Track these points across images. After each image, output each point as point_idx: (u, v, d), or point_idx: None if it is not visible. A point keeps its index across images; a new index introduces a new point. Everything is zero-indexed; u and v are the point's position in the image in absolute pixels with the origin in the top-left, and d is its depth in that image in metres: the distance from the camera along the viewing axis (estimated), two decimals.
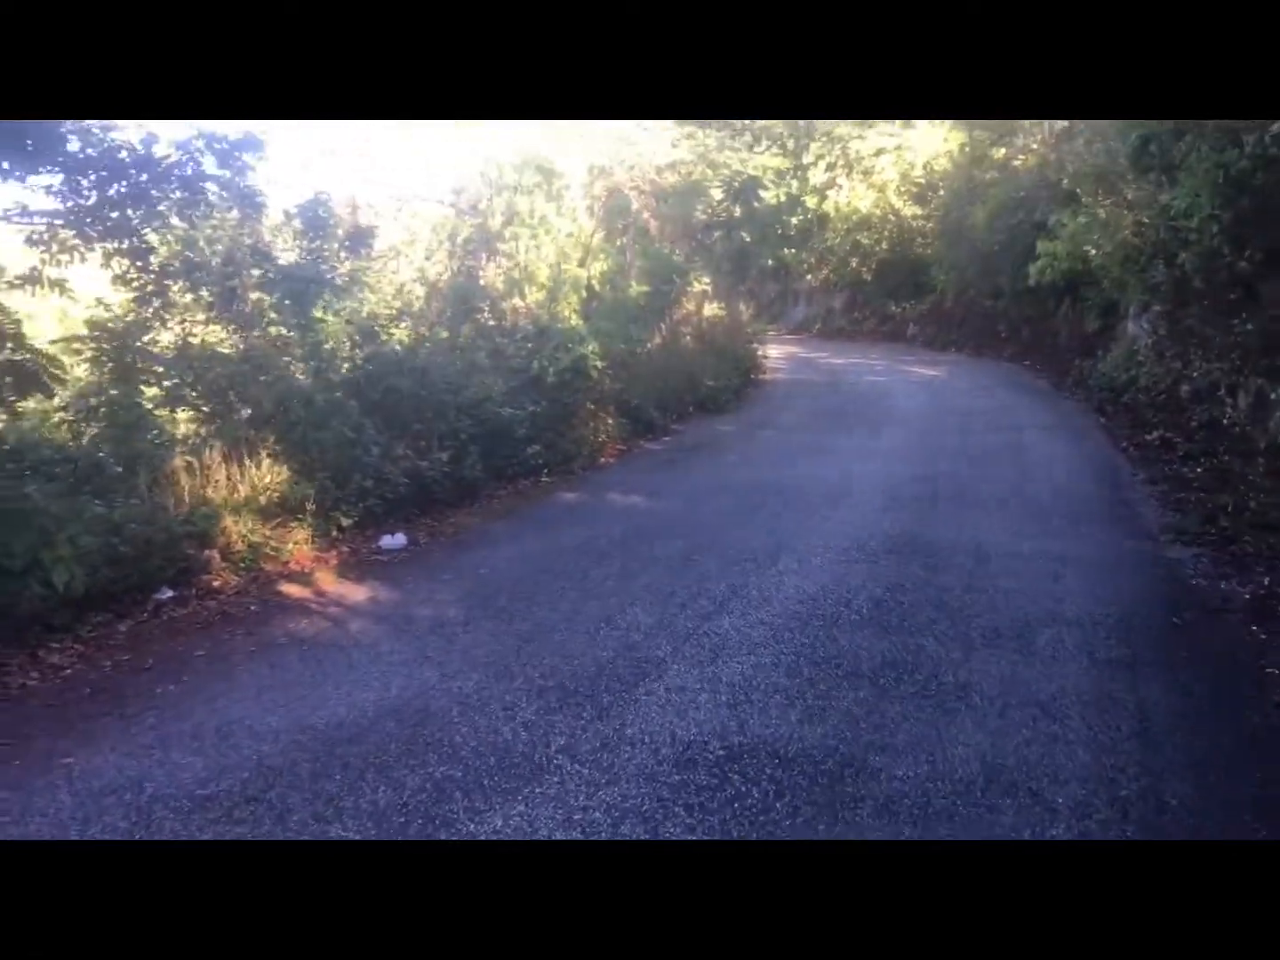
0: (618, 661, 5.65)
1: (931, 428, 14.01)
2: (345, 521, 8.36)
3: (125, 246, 10.43)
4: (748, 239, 23.31)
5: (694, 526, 8.71)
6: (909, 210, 28.80)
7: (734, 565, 7.47)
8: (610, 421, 12.91)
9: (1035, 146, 21.98)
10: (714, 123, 21.25)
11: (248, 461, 8.40)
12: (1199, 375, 13.87)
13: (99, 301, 10.68)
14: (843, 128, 29.14)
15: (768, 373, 21.67)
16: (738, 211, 21.55)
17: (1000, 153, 23.52)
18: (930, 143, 27.91)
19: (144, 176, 10.04)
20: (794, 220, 30.80)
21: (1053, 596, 6.75)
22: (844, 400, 17.29)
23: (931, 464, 11.36)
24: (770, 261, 33.14)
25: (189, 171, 10.00)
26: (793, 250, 31.95)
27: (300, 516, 8.09)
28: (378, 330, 12.33)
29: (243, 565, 7.42)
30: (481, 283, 14.88)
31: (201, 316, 11.06)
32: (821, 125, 29.56)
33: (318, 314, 12.21)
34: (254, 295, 11.75)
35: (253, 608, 6.75)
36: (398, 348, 12.07)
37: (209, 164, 10.13)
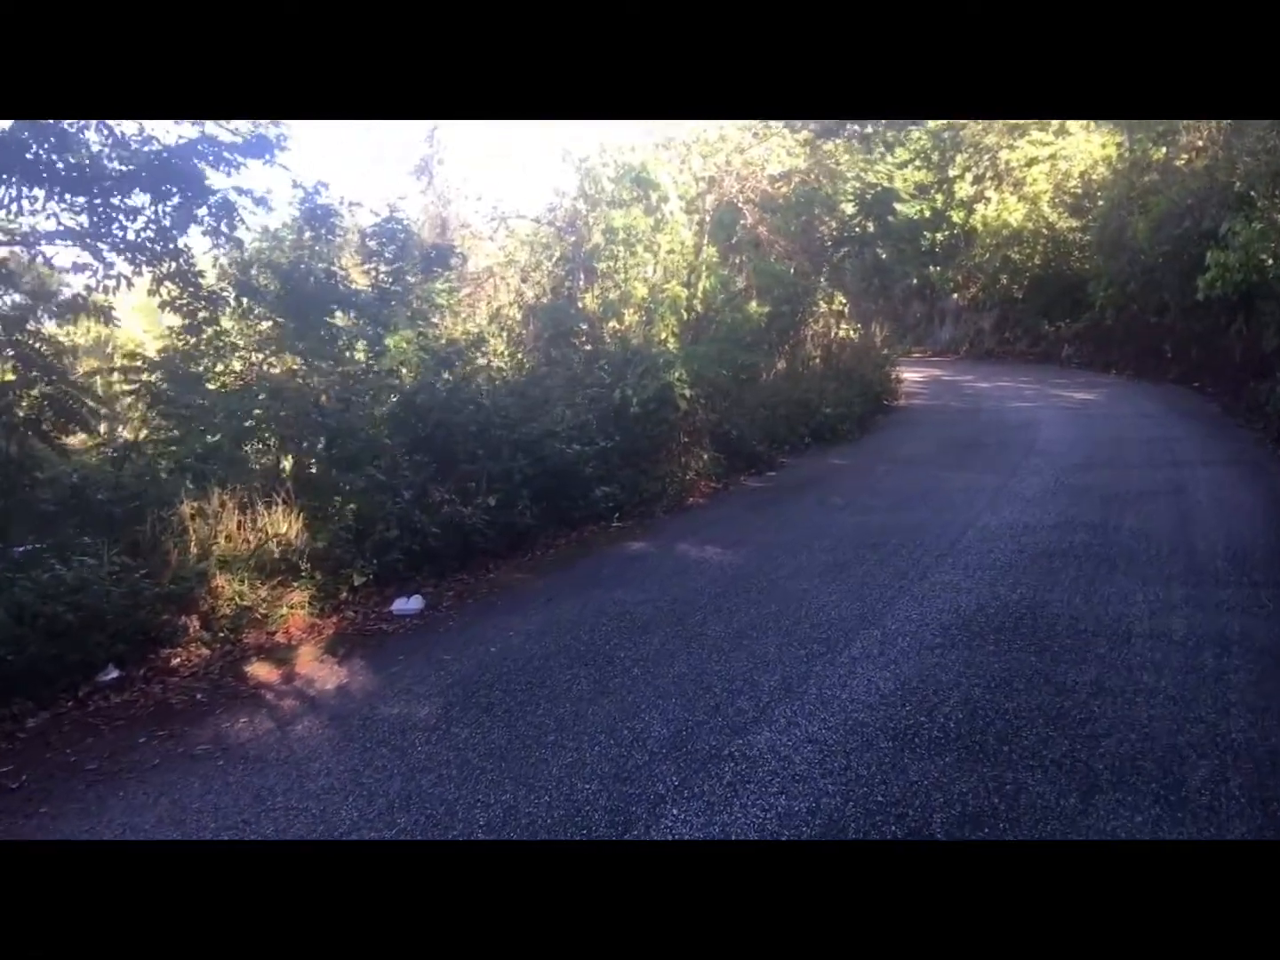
0: (597, 801, 4.17)
1: (1079, 463, 12.04)
2: (358, 579, 7.12)
3: (173, 269, 9.58)
4: (883, 255, 21.48)
5: (766, 589, 7.17)
6: (1064, 223, 26.37)
7: (798, 647, 5.92)
8: (705, 457, 11.43)
9: (1201, 144, 19.53)
10: (839, 131, 19.58)
11: (260, 507, 7.29)
12: None
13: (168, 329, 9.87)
14: (991, 137, 26.98)
15: (901, 398, 19.84)
16: (871, 226, 19.77)
17: (1161, 153, 21.06)
18: (1087, 149, 25.52)
19: (187, 193, 9.15)
20: (938, 236, 28.74)
21: (1215, 705, 4.98)
22: (980, 430, 15.37)
23: (1074, 509, 9.49)
24: (914, 280, 31.18)
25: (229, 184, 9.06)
26: (937, 268, 29.85)
27: (305, 574, 6.90)
28: (453, 357, 11.20)
29: (221, 635, 6.26)
30: (581, 305, 13.62)
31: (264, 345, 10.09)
32: (968, 135, 27.47)
33: (391, 341, 11.19)
34: (332, 320, 10.79)
35: (199, 696, 5.54)
36: (480, 379, 10.90)
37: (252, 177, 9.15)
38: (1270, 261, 14.91)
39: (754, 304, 16.50)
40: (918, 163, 28.43)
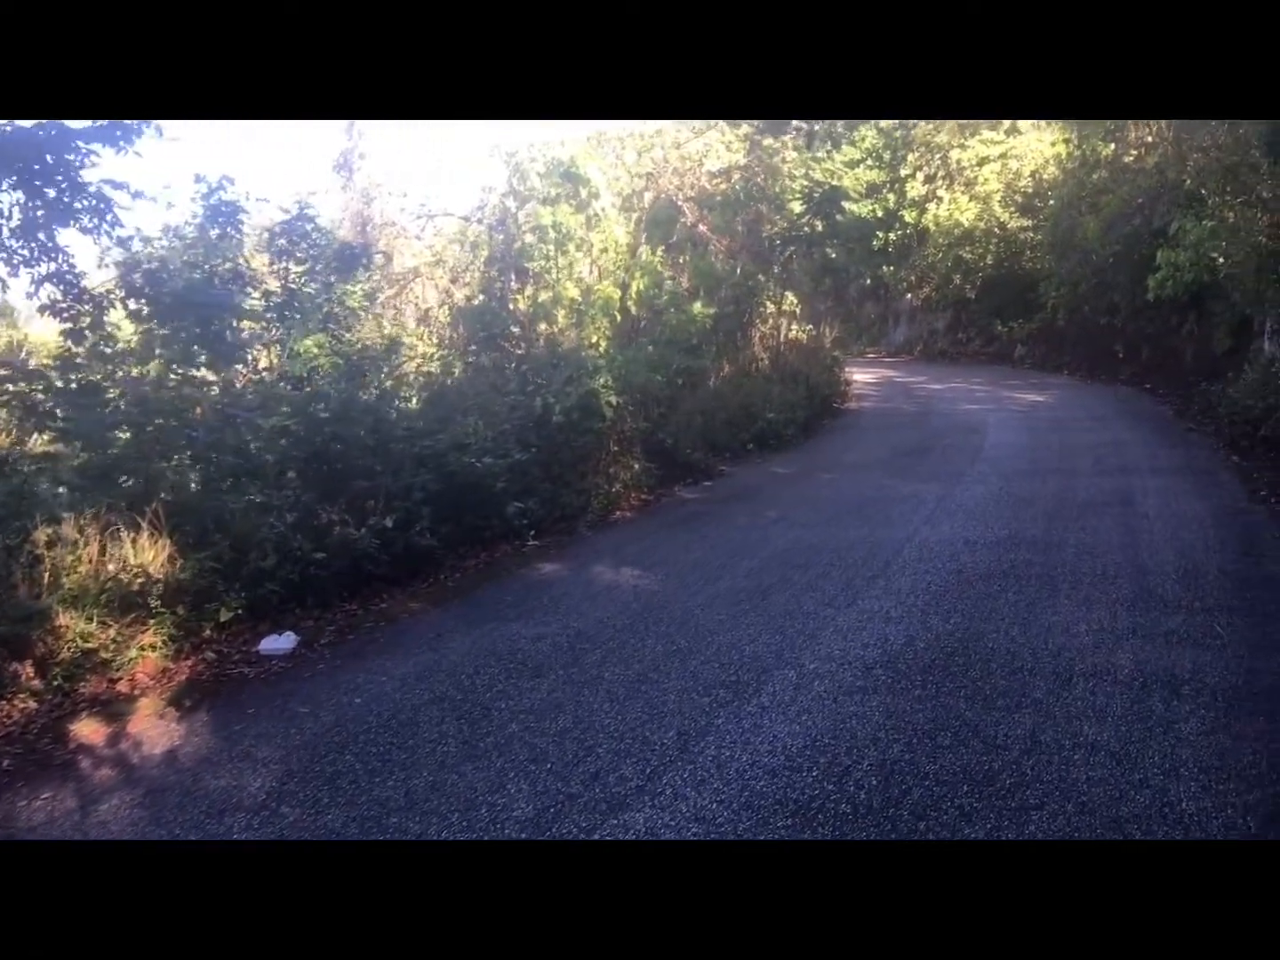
0: None
1: (1026, 470, 11.43)
2: (226, 614, 6.33)
3: (51, 270, 8.74)
4: (833, 255, 20.85)
5: (679, 620, 6.46)
6: (1016, 222, 25.87)
7: (702, 693, 5.21)
8: (636, 467, 10.71)
9: (1150, 139, 19.03)
10: (784, 127, 18.91)
11: (126, 533, 6.50)
12: None
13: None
14: (942, 135, 26.44)
15: (852, 401, 19.24)
16: (819, 225, 19.10)
17: (1109, 149, 20.54)
18: (1037, 149, 25.03)
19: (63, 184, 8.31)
20: (891, 235, 28.19)
21: (1164, 764, 4.32)
22: (929, 435, 14.76)
23: (1017, 523, 8.86)
24: (868, 281, 30.65)
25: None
26: (891, 268, 29.31)
27: (163, 609, 6.11)
28: (366, 364, 10.43)
29: (56, 684, 5.46)
30: (512, 307, 12.87)
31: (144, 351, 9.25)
32: (919, 134, 26.92)
33: (300, 346, 10.40)
34: (239, 324, 10.00)
35: (6, 764, 4.72)
36: (390, 386, 10.15)
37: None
38: (1221, 261, 14.39)
39: (698, 305, 15.81)
40: (869, 162, 27.87)
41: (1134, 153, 20.03)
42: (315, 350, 10.36)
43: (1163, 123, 18.50)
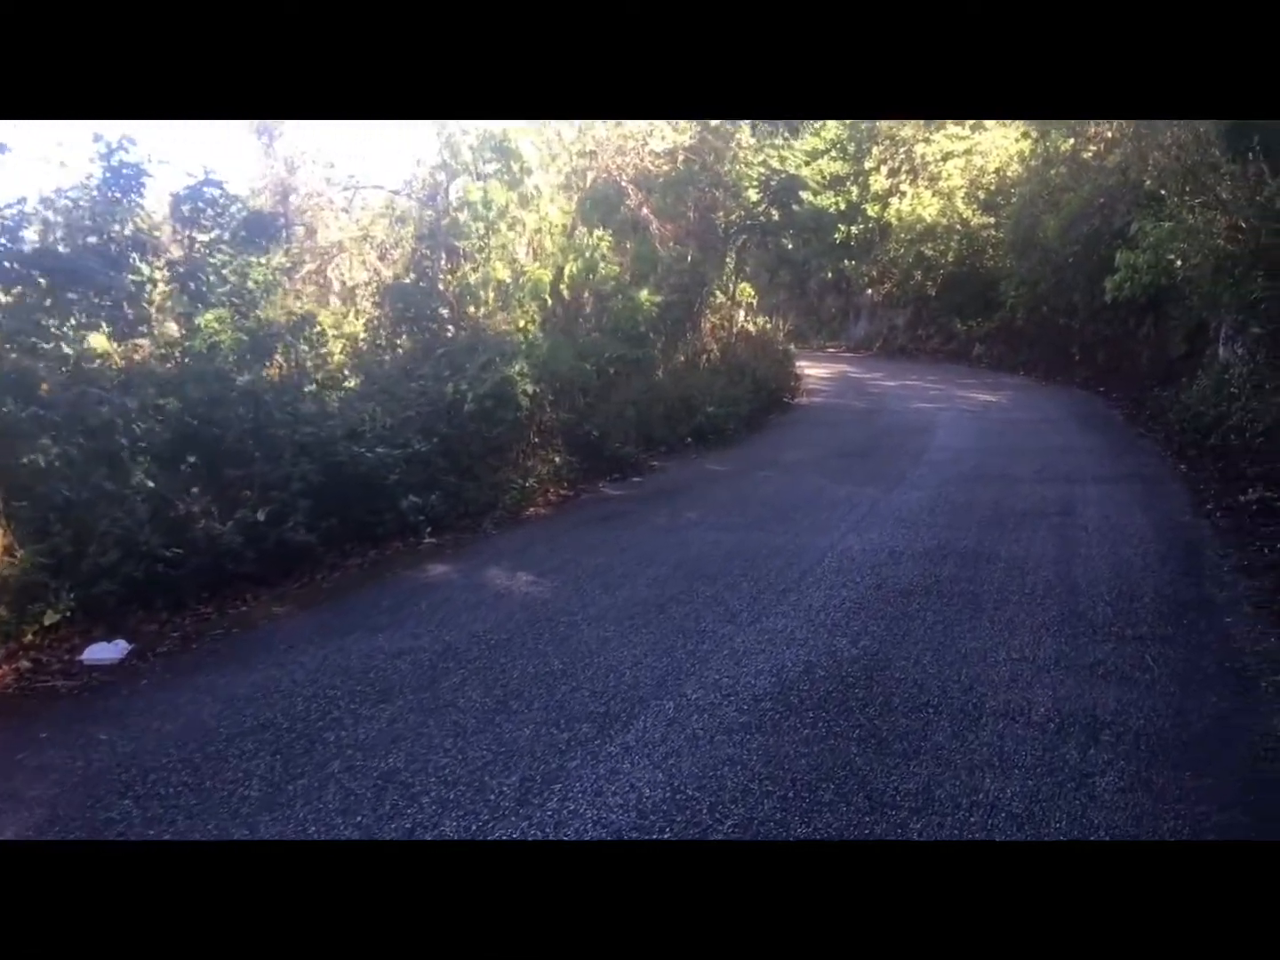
0: None
1: (967, 475, 10.84)
2: (52, 616, 5.60)
3: None
4: (789, 246, 20.20)
5: (562, 635, 5.79)
6: (978, 220, 25.32)
7: (563, 728, 4.54)
8: (557, 460, 10.03)
9: (1111, 135, 18.46)
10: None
11: None
12: None
13: None
14: (907, 130, 25.82)
15: (802, 396, 18.65)
16: (776, 215, 18.45)
17: (1068, 144, 19.96)
18: (1002, 145, 24.47)
19: None
20: (853, 229, 27.57)
21: (1070, 830, 3.69)
22: (874, 433, 14.16)
23: (950, 532, 8.25)
24: (829, 274, 30.07)
25: None
26: (852, 262, 28.71)
27: None
28: (271, 341, 9.70)
29: None
30: (441, 287, 12.12)
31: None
32: (884, 128, 26.28)
33: (203, 320, 9.66)
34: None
35: None
36: (283, 371, 9.43)
37: None
38: (1179, 263, 13.84)
39: (645, 292, 15.11)
40: (833, 153, 27.21)
41: (1093, 148, 19.46)
42: (216, 325, 9.58)
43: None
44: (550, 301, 11.81)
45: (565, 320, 12.54)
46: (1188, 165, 13.75)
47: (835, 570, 7.12)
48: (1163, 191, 15.41)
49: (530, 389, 9.17)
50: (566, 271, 12.03)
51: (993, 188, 24.94)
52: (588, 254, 12.27)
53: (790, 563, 7.30)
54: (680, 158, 14.73)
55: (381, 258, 12.58)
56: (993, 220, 24.77)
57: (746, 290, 20.76)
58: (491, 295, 11.36)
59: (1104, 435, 13.74)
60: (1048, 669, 5.31)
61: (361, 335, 12.19)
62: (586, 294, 13.28)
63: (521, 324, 11.08)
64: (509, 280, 11.48)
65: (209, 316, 9.76)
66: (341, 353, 12.11)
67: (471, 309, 11.60)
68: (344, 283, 12.63)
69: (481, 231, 11.49)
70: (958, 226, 25.53)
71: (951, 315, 26.60)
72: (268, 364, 9.79)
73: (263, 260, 10.13)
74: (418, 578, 7.07)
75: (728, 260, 18.61)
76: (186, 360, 9.28)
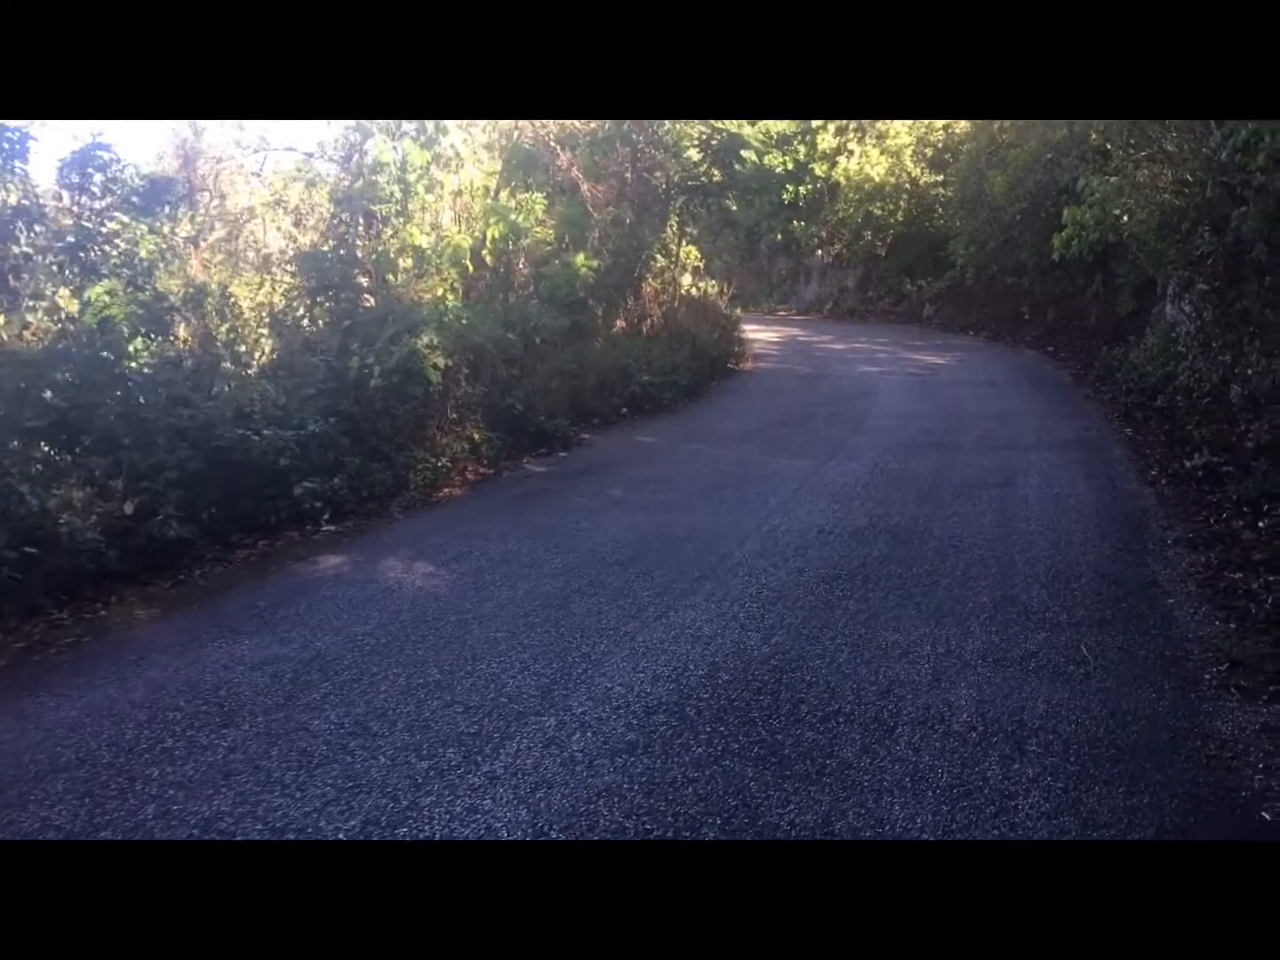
0: None
1: (906, 443, 10.33)
2: None
3: None
4: (734, 207, 19.54)
5: (447, 638, 5.22)
6: (927, 178, 24.73)
7: (424, 754, 3.98)
8: (476, 437, 9.41)
9: None
10: None
11: None
12: (1256, 373, 10.06)
13: None
14: None
15: (747, 362, 18.05)
16: (717, 175, 17.78)
17: None
18: None
19: None
20: (801, 189, 26.92)
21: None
22: (816, 400, 13.61)
23: (883, 507, 7.74)
24: (778, 236, 29.42)
25: None
26: (801, 223, 28.06)
27: None
28: (167, 314, 9.01)
29: None
30: (359, 254, 11.40)
31: None
32: None
33: (92, 293, 8.96)
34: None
35: None
36: (179, 349, 8.75)
37: None
38: (1126, 219, 13.35)
39: (581, 257, 14.45)
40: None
41: None
42: (107, 299, 8.86)
43: None
44: (472, 268, 11.11)
45: (490, 288, 11.87)
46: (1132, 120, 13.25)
47: (757, 554, 6.59)
48: (1109, 146, 14.92)
49: (441, 362, 8.52)
50: (489, 236, 11.33)
51: (941, 145, 24.34)
52: (512, 217, 11.56)
53: (710, 546, 6.77)
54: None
55: (297, 224, 11.81)
56: (941, 178, 24.20)
57: (692, 253, 20.11)
58: (409, 262, 10.67)
59: (1050, 397, 13.28)
60: (974, 664, 4.82)
61: (280, 306, 11.49)
62: (520, 260, 12.60)
63: (439, 292, 10.40)
64: (427, 246, 10.77)
65: (98, 289, 9.04)
66: (258, 325, 11.43)
67: (390, 277, 10.90)
68: (258, 250, 11.86)
69: (398, 195, 10.77)
70: (906, 185, 24.94)
71: (901, 276, 26.03)
72: (169, 338, 9.12)
73: (160, 227, 9.38)
74: (305, 571, 6.46)
75: (670, 223, 17.93)
76: (79, 338, 8.61)
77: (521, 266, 12.82)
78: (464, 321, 9.49)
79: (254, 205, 11.78)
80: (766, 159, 25.16)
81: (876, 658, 4.89)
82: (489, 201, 11.55)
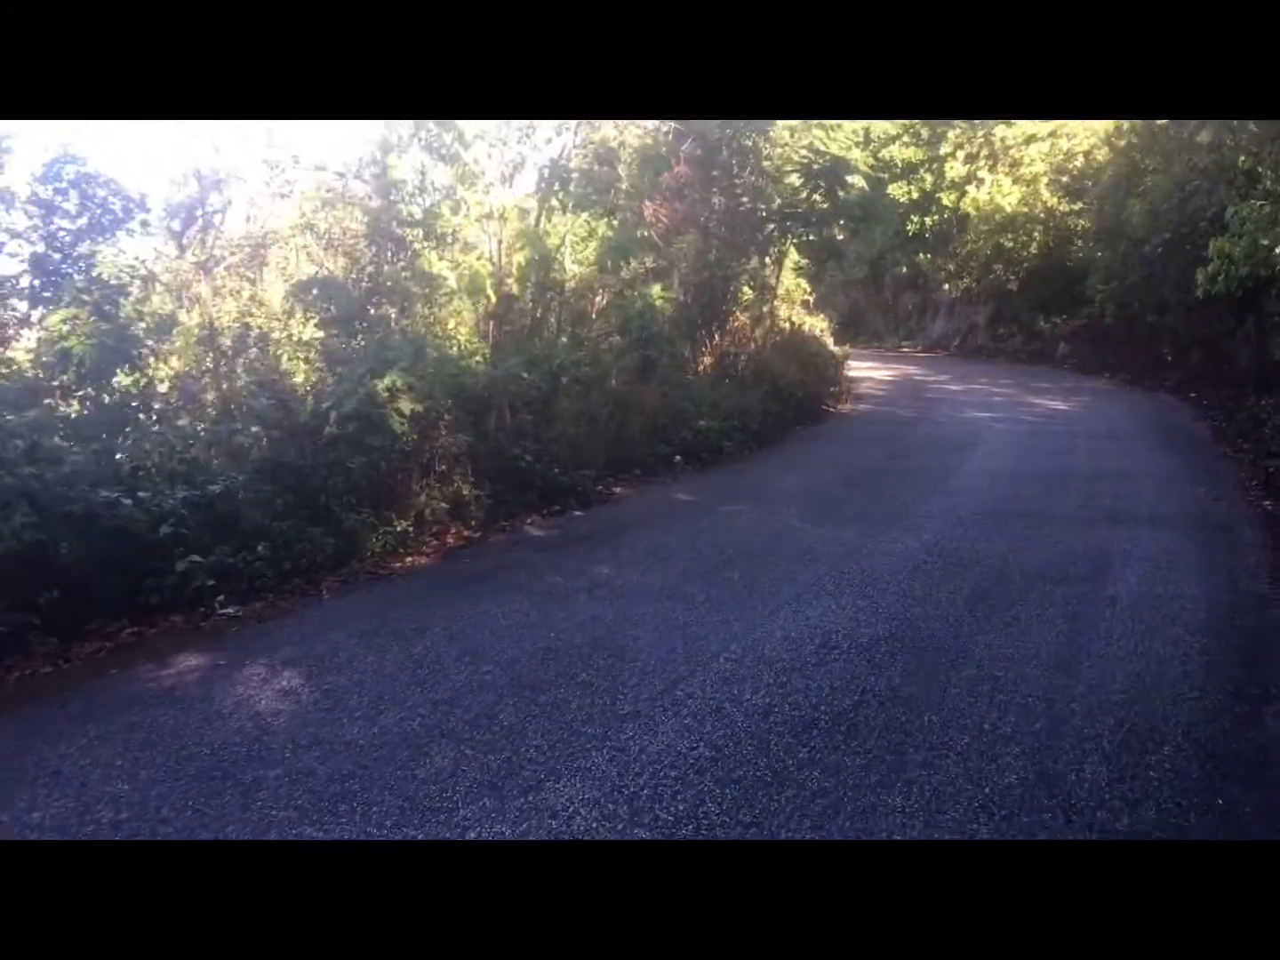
0: None
1: (988, 511, 8.31)
2: None
3: None
4: (839, 236, 17.61)
5: (229, 808, 3.65)
6: (1064, 208, 22.22)
7: None
8: (465, 492, 7.88)
9: None
10: None
11: None
12: None
13: None
14: None
15: (847, 403, 16.14)
16: (820, 201, 15.92)
17: (1160, 121, 16.86)
18: (1091, 125, 21.32)
19: None
20: (928, 220, 24.72)
21: None
22: (902, 451, 11.64)
23: (921, 608, 5.84)
24: (904, 269, 27.23)
25: None
26: (928, 255, 25.82)
27: None
28: (129, 345, 7.85)
29: None
30: (388, 283, 10.10)
31: None
32: None
33: (51, 322, 7.92)
34: None
35: None
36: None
37: None
38: (1278, 251, 10.99)
39: (658, 288, 12.88)
40: (905, 138, 24.37)
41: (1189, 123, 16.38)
42: (64, 329, 7.75)
43: None
44: (494, 298, 9.62)
45: (530, 320, 10.36)
46: None
47: (721, 679, 4.82)
48: (1260, 169, 12.53)
49: (408, 408, 7.02)
50: (515, 263, 9.82)
51: (1078, 172, 21.83)
52: (550, 241, 10.03)
53: (665, 663, 5.03)
54: (665, 128, 12.38)
55: (326, 249, 10.58)
56: (1078, 206, 21.69)
57: (800, 287, 18.30)
58: (423, 291, 9.27)
59: (1179, 456, 10.94)
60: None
61: (319, 338, 10.25)
62: (562, 289, 11.06)
63: (452, 325, 8.95)
64: (448, 274, 9.35)
65: (56, 317, 7.94)
66: (290, 360, 10.23)
67: (409, 306, 9.53)
68: (289, 278, 10.68)
69: (417, 214, 9.39)
70: (1040, 215, 22.47)
71: (1035, 312, 23.55)
72: (126, 372, 7.96)
73: (125, 251, 8.25)
74: (144, 678, 4.98)
75: (769, 252, 16.19)
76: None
77: (552, 296, 11.23)
78: (470, 360, 7.98)
79: (277, 229, 10.60)
80: (891, 189, 23.17)
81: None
82: (521, 225, 10.06)
